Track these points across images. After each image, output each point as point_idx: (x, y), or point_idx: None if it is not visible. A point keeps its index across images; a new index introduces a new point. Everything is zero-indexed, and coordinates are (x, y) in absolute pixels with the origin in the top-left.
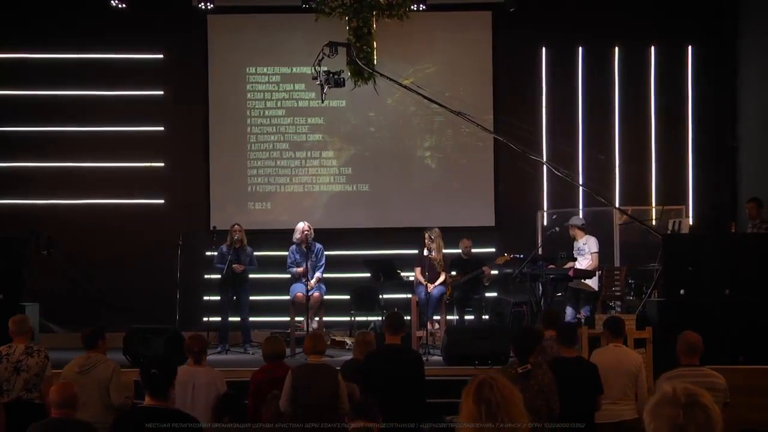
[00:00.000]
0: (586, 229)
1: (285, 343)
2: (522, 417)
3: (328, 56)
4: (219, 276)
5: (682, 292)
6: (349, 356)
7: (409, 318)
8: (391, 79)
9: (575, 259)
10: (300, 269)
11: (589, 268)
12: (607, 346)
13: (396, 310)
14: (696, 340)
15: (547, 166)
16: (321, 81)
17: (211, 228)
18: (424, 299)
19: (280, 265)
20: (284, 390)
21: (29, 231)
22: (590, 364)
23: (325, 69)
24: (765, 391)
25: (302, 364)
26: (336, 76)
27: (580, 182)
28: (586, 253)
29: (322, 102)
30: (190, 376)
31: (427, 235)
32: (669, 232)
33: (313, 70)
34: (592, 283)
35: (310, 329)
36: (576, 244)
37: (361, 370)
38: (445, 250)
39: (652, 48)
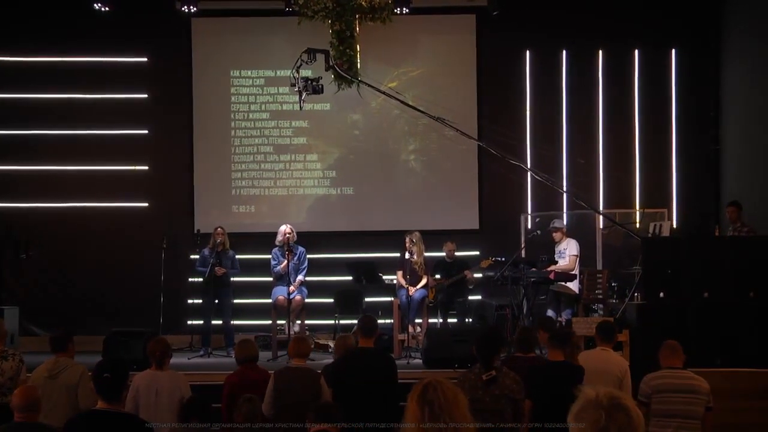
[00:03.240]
0: (567, 232)
1: (265, 346)
2: (465, 418)
3: (307, 63)
4: (202, 279)
5: (661, 294)
6: (332, 359)
7: (391, 321)
8: (370, 86)
9: (556, 262)
10: (282, 266)
11: (563, 269)
12: (595, 350)
13: (380, 313)
14: (676, 344)
15: (526, 168)
16: (299, 88)
17: (195, 231)
18: (406, 302)
19: (263, 268)
20: (267, 393)
21: (6, 234)
22: (577, 366)
23: (304, 76)
24: (742, 394)
25: (285, 367)
26: (314, 83)
27: (562, 186)
28: (566, 255)
29: (301, 109)
30: (152, 381)
31: (408, 239)
32: (649, 235)
33: (291, 77)
34: (573, 286)
35: (292, 332)
36: (557, 248)
37: (333, 373)
38: (429, 254)
39: (636, 52)
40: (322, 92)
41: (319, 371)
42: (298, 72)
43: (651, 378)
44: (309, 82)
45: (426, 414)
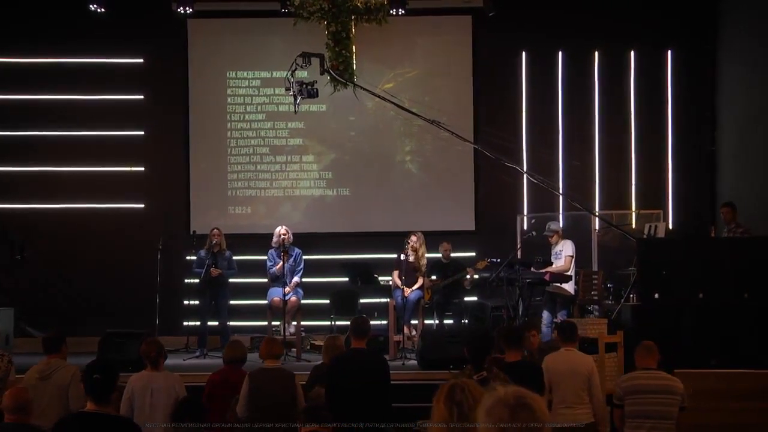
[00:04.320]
0: (563, 233)
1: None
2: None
3: (301, 67)
4: (198, 280)
5: (656, 296)
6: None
7: (386, 322)
8: (365, 89)
9: (552, 264)
10: (278, 266)
11: (558, 270)
12: (560, 351)
13: (376, 314)
14: (652, 344)
15: (521, 171)
16: (294, 92)
17: (191, 232)
18: (401, 303)
19: (259, 269)
20: (241, 394)
21: (1, 234)
22: (535, 365)
23: (298, 80)
24: (738, 394)
25: (259, 368)
26: (309, 87)
27: (558, 188)
28: (562, 256)
29: (296, 113)
30: (148, 382)
31: (407, 239)
32: (644, 236)
33: (286, 81)
34: (569, 287)
35: (288, 334)
36: (553, 249)
37: (326, 374)
38: (426, 255)
39: (632, 52)
40: (317, 96)
41: (296, 372)
42: (293, 76)
43: (623, 380)
44: (304, 86)
45: (455, 414)
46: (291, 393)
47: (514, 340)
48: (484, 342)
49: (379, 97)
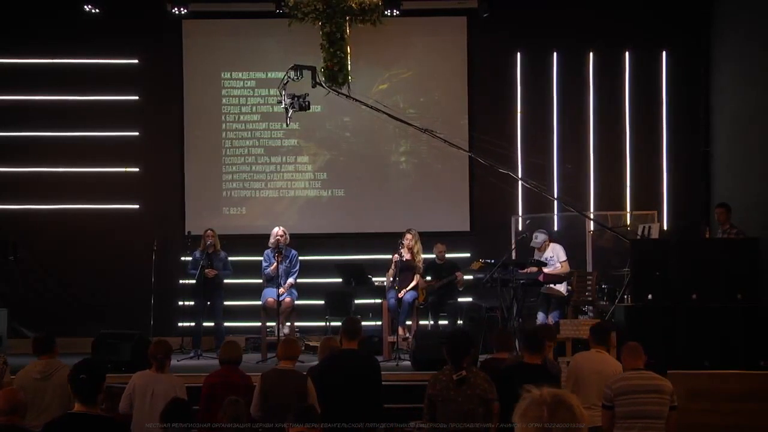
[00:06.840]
0: (557, 234)
1: (255, 348)
2: (583, 419)
3: (294, 80)
4: (193, 281)
5: (649, 296)
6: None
7: (380, 323)
8: (358, 101)
9: (544, 265)
10: (272, 267)
11: (560, 273)
12: (590, 351)
13: (371, 315)
14: (638, 345)
15: (516, 177)
16: (286, 105)
17: (186, 233)
18: (394, 304)
19: (254, 270)
20: (255, 394)
21: None
22: (550, 373)
23: (290, 93)
24: (731, 395)
25: (272, 369)
26: (301, 100)
27: (552, 190)
28: (555, 262)
29: (287, 125)
30: (149, 382)
31: (402, 238)
32: (638, 237)
33: (278, 94)
34: (562, 288)
35: (281, 334)
36: (543, 254)
37: (316, 375)
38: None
39: (627, 53)
40: (309, 108)
41: (305, 373)
42: (284, 89)
43: (613, 381)
44: (296, 98)
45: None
46: (303, 394)
47: (534, 343)
48: (461, 342)
49: (371, 107)
